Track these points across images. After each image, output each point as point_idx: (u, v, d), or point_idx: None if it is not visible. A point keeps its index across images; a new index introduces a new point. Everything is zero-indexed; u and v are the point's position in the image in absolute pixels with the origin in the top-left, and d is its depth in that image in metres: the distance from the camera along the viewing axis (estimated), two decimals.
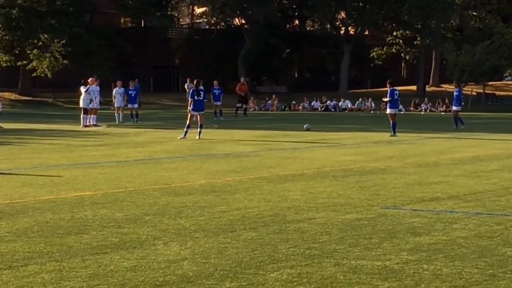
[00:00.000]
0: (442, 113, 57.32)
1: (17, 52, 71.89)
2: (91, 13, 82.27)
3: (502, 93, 77.19)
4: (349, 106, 63.64)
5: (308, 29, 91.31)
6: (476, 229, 10.59)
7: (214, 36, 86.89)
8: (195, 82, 29.52)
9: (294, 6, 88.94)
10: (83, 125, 36.17)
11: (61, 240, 9.71)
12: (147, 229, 10.46)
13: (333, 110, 62.64)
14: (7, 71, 71.16)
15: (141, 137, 29.43)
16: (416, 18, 77.82)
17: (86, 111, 36.66)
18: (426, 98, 64.65)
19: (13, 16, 67.98)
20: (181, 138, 27.71)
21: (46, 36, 69.69)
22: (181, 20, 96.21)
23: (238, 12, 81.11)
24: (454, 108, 36.55)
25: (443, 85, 77.62)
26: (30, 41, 69.66)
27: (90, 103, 36.80)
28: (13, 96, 71.92)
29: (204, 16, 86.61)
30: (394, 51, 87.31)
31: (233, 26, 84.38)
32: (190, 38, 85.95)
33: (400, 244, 9.56)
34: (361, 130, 34.85)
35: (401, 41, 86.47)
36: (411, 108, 61.57)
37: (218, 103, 45.18)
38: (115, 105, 41.21)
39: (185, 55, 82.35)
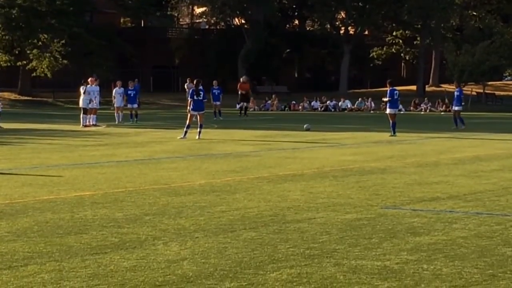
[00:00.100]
0: (442, 113, 57.32)
1: (17, 52, 71.88)
2: (91, 13, 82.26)
3: (502, 93, 77.19)
4: (349, 106, 63.63)
5: (308, 29, 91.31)
6: (476, 229, 10.59)
7: (214, 36, 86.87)
8: (195, 82, 29.53)
9: (294, 6, 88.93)
10: (83, 125, 36.17)
11: (61, 240, 9.71)
12: (147, 229, 10.46)
13: (333, 110, 62.64)
14: (7, 71, 71.15)
15: (141, 137, 29.43)
16: (416, 18, 77.81)
17: (86, 111, 36.67)
18: (426, 98, 64.66)
19: (13, 16, 67.98)
20: (181, 138, 27.70)
21: (46, 36, 69.68)
22: (181, 20, 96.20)
23: (238, 12, 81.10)
24: (455, 108, 36.45)
25: (443, 85, 77.60)
26: (30, 41, 69.65)
27: (90, 103, 36.80)
28: (13, 96, 71.92)
29: (204, 16, 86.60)
30: (394, 51, 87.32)
31: (233, 26, 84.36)
32: (190, 38, 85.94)
33: (400, 244, 9.56)
34: (361, 130, 34.84)
35: (401, 41, 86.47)
36: (411, 108, 61.57)
37: (218, 103, 45.22)
38: (115, 105, 41.21)
39: (185, 55, 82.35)
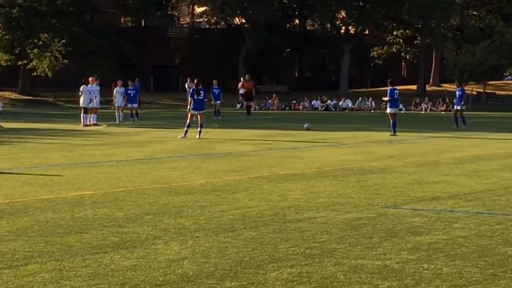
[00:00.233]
0: (443, 113, 57.31)
1: (17, 51, 71.85)
2: (92, 13, 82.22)
3: (502, 92, 77.20)
4: (349, 105, 63.63)
5: (308, 28, 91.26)
6: (476, 228, 10.59)
7: (214, 35, 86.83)
8: (195, 82, 29.53)
9: (295, 6, 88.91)
10: (83, 124, 36.17)
11: (62, 240, 9.71)
12: (147, 229, 10.46)
13: (333, 109, 62.64)
14: (7, 70, 71.12)
15: (141, 137, 29.43)
16: (417, 17, 77.80)
17: (86, 111, 36.67)
18: (426, 98, 64.67)
19: (14, 16, 67.95)
20: (181, 137, 27.70)
21: (46, 35, 69.66)
22: (181, 19, 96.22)
23: (238, 12, 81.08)
24: (458, 107, 36.30)
25: (443, 85, 77.60)
26: (30, 40, 69.62)
27: (90, 102, 36.81)
28: (13, 95, 71.89)
29: (204, 16, 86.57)
30: (395, 51, 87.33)
31: (233, 26, 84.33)
32: (190, 37, 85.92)
33: (400, 244, 9.56)
34: (361, 129, 34.84)
35: (401, 40, 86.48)
36: (412, 108, 61.57)
37: (218, 102, 45.26)
38: (116, 105, 41.22)
39: (185, 55, 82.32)
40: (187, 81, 51.21)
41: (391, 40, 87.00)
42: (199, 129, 27.95)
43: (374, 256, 8.86)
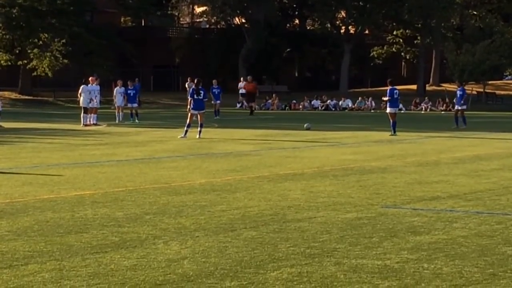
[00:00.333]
0: (443, 112, 57.31)
1: (17, 51, 71.83)
2: (92, 13, 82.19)
3: (502, 92, 77.18)
4: (349, 105, 63.62)
5: (308, 28, 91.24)
6: (476, 228, 10.59)
7: (214, 35, 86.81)
8: (195, 82, 29.53)
9: (294, 5, 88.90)
10: (83, 124, 36.17)
11: (62, 239, 9.72)
12: (148, 228, 10.46)
13: (333, 109, 62.63)
14: (7, 70, 71.12)
15: (142, 136, 29.43)
16: (416, 17, 77.79)
17: (86, 110, 36.68)
18: (426, 97, 64.66)
19: (14, 16, 67.94)
20: (181, 137, 27.71)
21: (46, 35, 69.64)
22: (181, 19, 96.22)
23: (238, 12, 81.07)
24: (459, 107, 36.23)
25: (443, 84, 77.60)
26: (30, 40, 69.61)
27: (90, 102, 36.81)
28: (13, 95, 71.87)
29: (205, 16, 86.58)
30: (395, 50, 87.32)
31: (233, 26, 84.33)
32: (191, 37, 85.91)
33: (400, 243, 9.56)
34: (361, 129, 34.84)
35: (401, 40, 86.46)
36: (412, 107, 61.57)
37: (218, 102, 45.30)
38: (116, 105, 41.23)
39: (185, 55, 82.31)
40: (187, 81, 51.25)
41: (391, 40, 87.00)
42: (199, 129, 27.96)
43: (374, 256, 8.86)
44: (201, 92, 28.43)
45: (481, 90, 71.42)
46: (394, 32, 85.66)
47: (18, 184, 14.86)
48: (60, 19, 69.08)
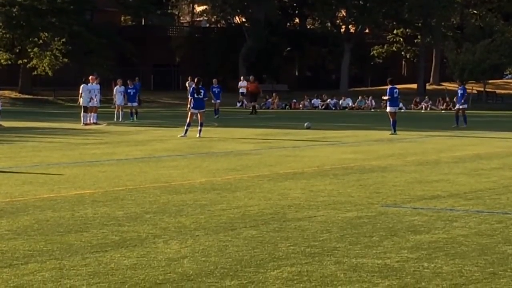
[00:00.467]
0: (443, 111, 57.30)
1: (17, 50, 71.82)
2: (92, 12, 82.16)
3: (502, 91, 77.12)
4: (349, 104, 63.58)
5: (308, 27, 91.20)
6: (476, 227, 10.59)
7: (214, 34, 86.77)
8: (195, 81, 29.53)
9: (295, 4, 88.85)
10: (83, 123, 36.17)
11: (62, 238, 9.71)
12: (148, 227, 10.46)
13: (333, 108, 62.61)
14: (7, 69, 71.12)
15: (142, 135, 29.43)
16: (417, 16, 77.75)
17: (86, 109, 36.68)
18: (426, 96, 64.62)
19: (14, 15, 67.93)
20: (182, 136, 27.71)
21: (46, 34, 69.63)
22: (181, 18, 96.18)
23: (238, 11, 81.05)
24: (461, 106, 36.16)
25: (443, 83, 77.58)
26: (30, 39, 69.59)
27: (90, 101, 36.81)
28: (13, 94, 71.87)
29: (205, 15, 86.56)
30: (395, 49, 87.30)
31: (233, 25, 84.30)
32: (191, 36, 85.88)
33: (400, 242, 9.56)
34: (361, 128, 34.84)
35: (401, 39, 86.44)
36: (412, 106, 61.56)
37: (218, 101, 45.31)
38: (116, 104, 41.24)
39: (186, 54, 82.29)
40: (187, 80, 51.26)
41: (391, 39, 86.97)
42: (199, 128, 27.96)
43: (374, 255, 8.86)
44: (201, 91, 28.43)
45: (482, 89, 71.38)
46: (395, 31, 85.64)
47: (18, 183, 14.86)
48: (60, 18, 69.08)
